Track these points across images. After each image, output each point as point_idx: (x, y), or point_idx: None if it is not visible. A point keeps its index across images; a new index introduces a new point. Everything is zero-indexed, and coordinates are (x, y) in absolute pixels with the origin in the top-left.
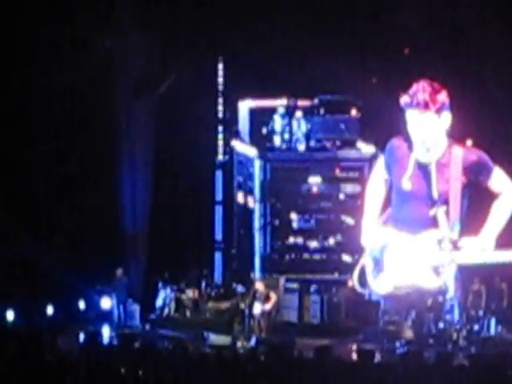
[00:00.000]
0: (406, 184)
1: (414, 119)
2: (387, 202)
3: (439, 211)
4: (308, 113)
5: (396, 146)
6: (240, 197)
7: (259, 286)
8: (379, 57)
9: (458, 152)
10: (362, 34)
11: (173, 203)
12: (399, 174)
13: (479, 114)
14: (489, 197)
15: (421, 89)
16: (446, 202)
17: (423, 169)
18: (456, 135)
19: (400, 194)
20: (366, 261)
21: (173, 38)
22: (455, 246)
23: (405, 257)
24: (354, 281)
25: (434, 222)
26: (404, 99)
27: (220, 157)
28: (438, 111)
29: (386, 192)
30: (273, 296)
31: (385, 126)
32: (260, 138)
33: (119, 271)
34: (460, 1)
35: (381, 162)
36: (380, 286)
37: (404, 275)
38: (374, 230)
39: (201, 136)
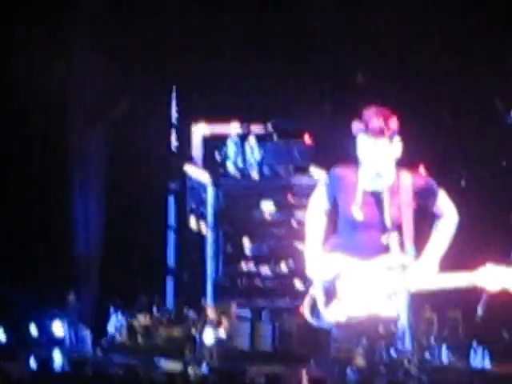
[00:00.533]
0: (357, 213)
1: (367, 145)
2: (328, 231)
3: (391, 238)
4: (261, 139)
5: (341, 175)
6: (193, 222)
7: (211, 312)
8: (332, 82)
9: (407, 178)
10: (315, 60)
11: (126, 228)
12: (347, 203)
13: (431, 139)
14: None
15: (374, 115)
16: (398, 228)
17: (373, 197)
18: (408, 161)
19: (349, 223)
20: (317, 291)
21: (125, 63)
22: (407, 272)
23: (359, 284)
24: (305, 313)
25: (386, 249)
26: (357, 125)
27: (172, 183)
28: (391, 138)
29: (326, 221)
30: (224, 322)
31: (338, 153)
32: (213, 164)
33: (71, 296)
34: (410, 29)
35: (321, 191)
36: (333, 315)
37: (359, 303)
38: (321, 259)
39: (153, 161)
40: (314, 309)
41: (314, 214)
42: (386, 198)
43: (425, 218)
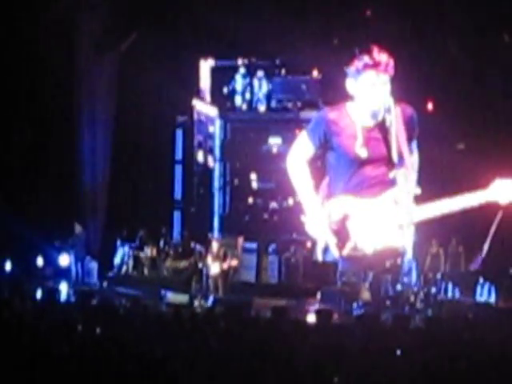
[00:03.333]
0: (361, 151)
1: (370, 81)
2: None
3: (399, 172)
4: (269, 73)
5: (334, 117)
6: (200, 156)
7: (217, 245)
8: (340, 18)
9: (397, 110)
10: None
11: (133, 160)
12: (349, 143)
13: (440, 75)
14: None
15: (378, 52)
16: (402, 160)
17: (375, 132)
18: (418, 96)
19: (352, 162)
20: (328, 237)
21: None
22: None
23: (369, 220)
24: (317, 257)
25: (393, 183)
26: (364, 60)
27: (180, 117)
28: (391, 75)
29: (309, 170)
30: (231, 256)
31: (345, 88)
32: (221, 98)
33: (78, 227)
34: None
35: (303, 139)
36: (346, 252)
37: (369, 238)
38: (324, 205)
39: (161, 94)
40: (325, 252)
41: (300, 162)
42: (389, 131)
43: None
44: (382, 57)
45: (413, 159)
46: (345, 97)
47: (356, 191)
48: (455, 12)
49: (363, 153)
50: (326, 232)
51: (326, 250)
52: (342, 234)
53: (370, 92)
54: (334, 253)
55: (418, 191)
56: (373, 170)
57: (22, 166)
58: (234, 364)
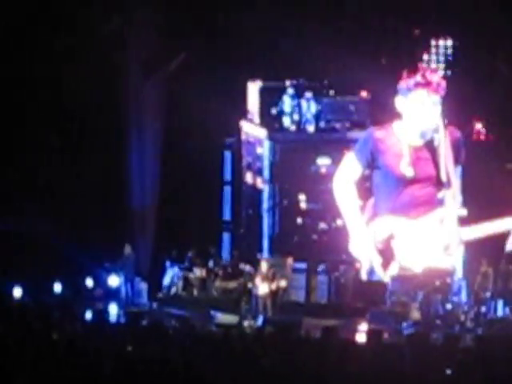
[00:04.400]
0: (407, 170)
1: (421, 100)
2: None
3: (447, 193)
4: (318, 94)
5: (381, 136)
6: (249, 177)
7: (266, 265)
8: (389, 38)
9: (446, 132)
10: (372, 16)
11: (182, 182)
12: (394, 162)
13: (490, 95)
14: None
15: (430, 71)
16: (450, 182)
17: (423, 152)
18: (467, 117)
19: (398, 181)
20: (372, 257)
21: (182, 16)
22: (461, 223)
23: (414, 240)
24: (363, 276)
25: (439, 203)
26: (416, 78)
27: (228, 138)
28: (442, 96)
29: (356, 191)
30: (280, 276)
31: (394, 107)
32: (269, 119)
33: (127, 248)
34: None
35: (350, 159)
36: (391, 273)
37: (415, 258)
38: (369, 225)
39: (210, 116)
40: (371, 273)
41: (346, 183)
42: (437, 151)
43: None
44: (434, 77)
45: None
46: (393, 117)
47: (402, 211)
48: (506, 33)
49: (409, 172)
50: (370, 252)
51: (371, 270)
52: (387, 254)
53: (420, 111)
54: (379, 273)
55: (464, 212)
56: (420, 190)
57: (72, 190)
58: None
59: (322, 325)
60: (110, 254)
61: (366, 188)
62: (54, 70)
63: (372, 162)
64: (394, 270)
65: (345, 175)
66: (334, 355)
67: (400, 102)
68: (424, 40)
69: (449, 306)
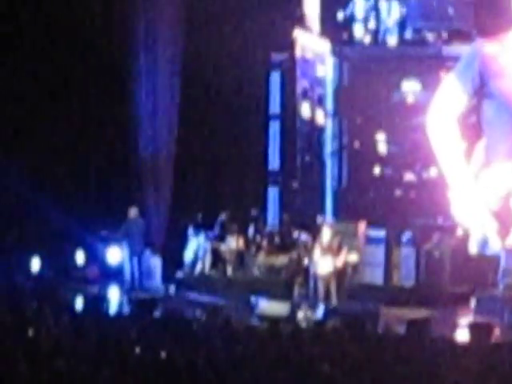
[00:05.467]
0: None
1: None
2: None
3: None
4: None
5: (493, 51)
6: (305, 109)
7: (329, 233)
8: None
9: None
10: None
11: (208, 118)
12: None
13: None
14: None
15: None
16: None
17: None
18: None
19: None
20: (485, 222)
21: None
22: None
23: None
24: (471, 250)
25: None
26: None
27: (276, 54)
28: None
29: (461, 128)
30: (348, 248)
31: (505, 14)
32: (334, 27)
33: (133, 211)
34: None
35: (453, 82)
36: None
37: None
38: (477, 177)
39: (249, 24)
40: (483, 246)
41: (444, 120)
42: None
43: None
44: None
45: None
46: (508, 25)
47: None
48: None
49: None
50: (482, 215)
51: (483, 241)
52: (505, 218)
53: None
54: (495, 244)
55: None
56: None
57: (60, 130)
58: None
59: (407, 317)
60: (109, 218)
61: (472, 125)
62: None
63: (481, 88)
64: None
65: (443, 107)
66: (424, 358)
67: None
68: None
69: None
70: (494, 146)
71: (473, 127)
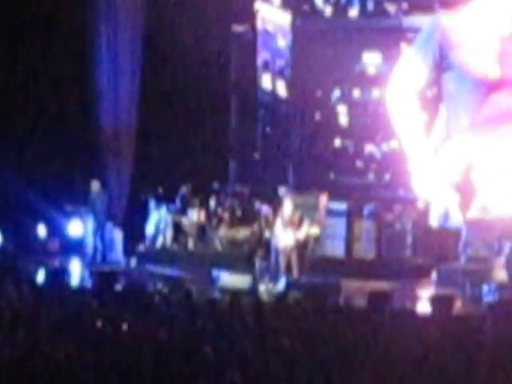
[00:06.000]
0: (491, 69)
1: None
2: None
3: None
4: None
5: (453, 23)
6: (266, 81)
7: (291, 206)
8: None
9: None
10: None
11: (170, 90)
12: (473, 58)
13: None
14: None
15: None
16: None
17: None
18: None
19: (480, 87)
20: (446, 194)
21: None
22: None
23: (504, 169)
24: (432, 222)
25: None
26: None
27: (238, 25)
28: None
29: (420, 102)
30: (310, 220)
31: None
32: None
33: (95, 184)
34: None
35: (413, 55)
36: (471, 214)
37: (506, 195)
38: (438, 150)
39: None
40: (445, 220)
41: (403, 95)
42: None
43: None
44: None
45: None
46: None
47: (486, 128)
48: None
49: (495, 71)
50: (443, 188)
51: (445, 214)
52: (466, 191)
53: None
54: (456, 217)
55: None
56: (509, 98)
57: (18, 102)
58: (317, 372)
59: (368, 289)
60: (70, 191)
61: (433, 98)
62: None
63: (441, 60)
64: (474, 212)
65: (404, 81)
66: (386, 331)
67: None
68: None
69: None
70: (454, 119)
71: (433, 100)
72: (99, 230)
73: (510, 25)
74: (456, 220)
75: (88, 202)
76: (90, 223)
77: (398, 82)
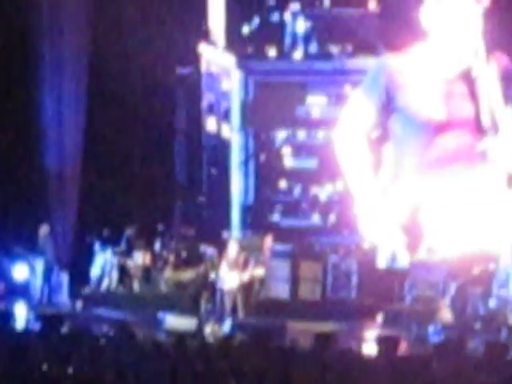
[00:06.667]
0: (436, 112)
1: (458, 7)
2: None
3: (491, 142)
4: (308, 5)
5: (398, 65)
6: (211, 123)
7: (236, 248)
8: None
9: (490, 59)
10: None
11: (115, 134)
12: (419, 101)
13: None
14: None
15: None
16: (496, 128)
17: (459, 86)
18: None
19: (425, 129)
20: (394, 236)
21: None
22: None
23: (452, 212)
24: (380, 264)
25: (483, 158)
26: None
27: (182, 68)
28: (485, 8)
29: (369, 142)
30: (255, 262)
31: (416, 26)
32: (240, 41)
33: (44, 228)
34: None
35: (359, 97)
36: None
37: (454, 237)
38: (385, 192)
39: (155, 36)
40: (393, 262)
41: (351, 137)
42: (477, 84)
43: None
44: None
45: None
46: (415, 37)
47: (433, 170)
48: None
49: (440, 114)
50: (390, 229)
51: (392, 254)
52: (413, 233)
53: (456, 22)
54: (404, 258)
55: None
56: (455, 140)
57: None
58: None
59: (314, 330)
60: (15, 235)
61: (380, 139)
62: None
63: (388, 102)
64: (421, 253)
65: (351, 122)
66: (332, 372)
67: (429, 13)
68: None
69: (493, 303)
70: (401, 160)
71: (379, 141)
72: (45, 272)
73: (455, 67)
74: (403, 261)
75: (37, 245)
76: (40, 266)
77: (345, 124)
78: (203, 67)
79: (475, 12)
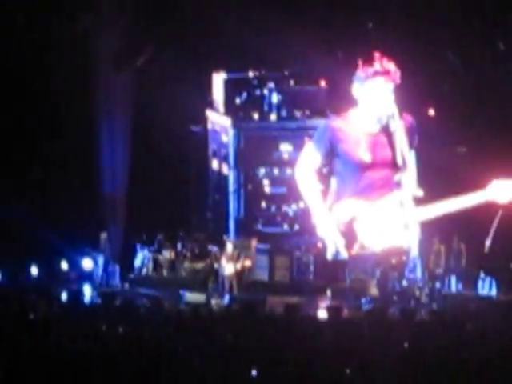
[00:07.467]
0: (365, 155)
1: (378, 87)
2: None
3: (403, 175)
4: (279, 84)
5: (338, 125)
6: (215, 164)
7: (231, 247)
8: (343, 31)
9: (402, 117)
10: (327, 11)
11: (151, 169)
12: (353, 148)
13: (440, 83)
14: None
15: (386, 60)
16: (406, 165)
17: (379, 138)
18: (419, 103)
19: (358, 167)
20: (336, 239)
21: (149, 13)
22: (417, 203)
23: (375, 221)
24: (328, 256)
25: (397, 185)
26: (375, 67)
27: (195, 126)
28: (396, 84)
29: (317, 178)
30: (245, 256)
31: (351, 97)
32: (234, 108)
33: (104, 235)
34: None
35: (310, 148)
36: (353, 252)
37: (375, 238)
38: (332, 210)
39: (177, 106)
40: (337, 255)
41: (306, 173)
42: (393, 136)
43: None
44: (391, 66)
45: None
46: (350, 105)
47: (362, 194)
48: (453, 24)
49: (367, 157)
50: (334, 234)
51: (336, 250)
52: (349, 236)
53: (376, 97)
54: (343, 253)
55: (421, 193)
56: (378, 173)
57: (45, 178)
58: (250, 358)
59: (285, 302)
60: (83, 238)
61: (326, 174)
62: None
63: (331, 150)
64: (355, 249)
65: (305, 164)
66: (297, 331)
67: (356, 90)
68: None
69: (405, 283)
70: (340, 189)
71: (327, 176)
72: (104, 264)
73: (377, 125)
74: (343, 255)
75: (99, 246)
76: (101, 260)
77: (302, 164)
78: (209, 126)
79: (388, 88)
